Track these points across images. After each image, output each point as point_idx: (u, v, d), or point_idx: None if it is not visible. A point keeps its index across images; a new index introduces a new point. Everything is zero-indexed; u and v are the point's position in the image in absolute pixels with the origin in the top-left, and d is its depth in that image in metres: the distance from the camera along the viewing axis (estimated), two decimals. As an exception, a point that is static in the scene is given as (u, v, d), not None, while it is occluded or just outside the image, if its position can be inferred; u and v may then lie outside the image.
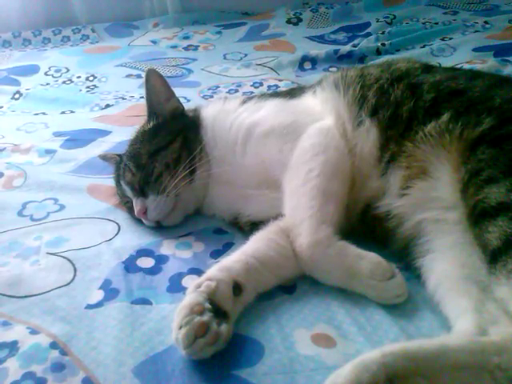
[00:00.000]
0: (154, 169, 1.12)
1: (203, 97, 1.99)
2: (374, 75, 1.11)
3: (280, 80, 2.09)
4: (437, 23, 2.56)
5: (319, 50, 2.32)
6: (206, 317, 0.78)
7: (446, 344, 0.73)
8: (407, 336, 0.82)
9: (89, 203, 1.28)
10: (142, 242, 1.11)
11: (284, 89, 1.88)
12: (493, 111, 0.93)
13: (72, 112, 1.97)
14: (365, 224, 1.03)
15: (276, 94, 1.27)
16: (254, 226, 1.05)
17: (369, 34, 2.49)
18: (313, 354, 0.79)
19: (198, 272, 0.99)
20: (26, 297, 0.95)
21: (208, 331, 0.77)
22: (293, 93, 1.23)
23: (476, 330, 0.76)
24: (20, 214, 1.24)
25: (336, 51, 2.26)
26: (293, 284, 0.95)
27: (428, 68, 1.14)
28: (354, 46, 2.32)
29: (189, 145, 1.16)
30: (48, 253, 1.08)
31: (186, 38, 2.79)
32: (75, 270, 1.02)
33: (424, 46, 2.29)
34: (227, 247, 1.08)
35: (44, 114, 1.96)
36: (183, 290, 0.92)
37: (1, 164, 1.48)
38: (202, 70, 2.31)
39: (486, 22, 2.47)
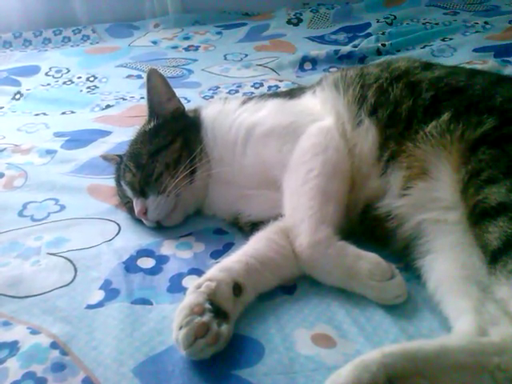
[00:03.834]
0: (155, 169, 1.12)
1: (204, 97, 1.99)
2: (374, 75, 1.11)
3: (280, 80, 2.09)
4: (437, 24, 2.56)
5: (319, 50, 2.32)
6: (206, 317, 0.78)
7: (446, 344, 0.73)
8: (407, 336, 0.82)
9: (89, 204, 1.28)
10: (143, 242, 1.11)
11: (284, 89, 1.88)
12: (494, 111, 0.93)
13: (73, 112, 1.97)
14: (365, 224, 1.02)
15: (276, 95, 1.27)
16: (255, 226, 1.05)
17: (369, 35, 2.49)
18: (313, 354, 0.79)
19: (198, 272, 0.99)
20: (26, 297, 0.95)
21: (208, 332, 0.77)
22: (293, 93, 1.23)
23: (476, 331, 0.76)
24: (20, 214, 1.24)
25: (336, 52, 2.26)
26: (293, 284, 0.95)
27: (428, 66, 1.13)
28: (355, 46, 2.32)
29: (189, 145, 1.16)
30: (48, 253, 1.08)
31: (187, 38, 2.79)
32: (75, 270, 1.02)
33: (424, 47, 2.28)
34: (227, 247, 1.08)
35: (45, 114, 1.97)
36: (183, 290, 0.92)
37: (1, 164, 1.48)
38: (203, 70, 2.31)
39: (486, 23, 2.47)
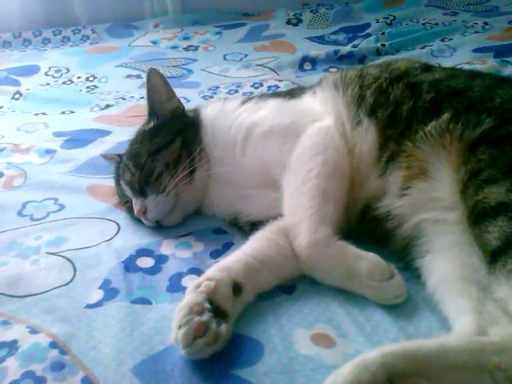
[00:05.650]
0: (155, 168, 1.12)
1: (203, 97, 1.99)
2: (373, 75, 1.11)
3: (280, 80, 2.09)
4: (437, 24, 2.56)
5: (319, 50, 2.32)
6: (206, 317, 0.78)
7: (446, 344, 0.73)
8: (407, 336, 0.82)
9: (89, 203, 1.28)
10: (142, 241, 1.11)
11: (284, 89, 1.88)
12: (493, 111, 0.93)
13: (72, 112, 1.98)
14: (364, 224, 1.02)
15: (276, 95, 1.27)
16: (254, 225, 1.05)
17: (369, 35, 2.49)
18: (312, 354, 0.79)
19: (197, 272, 0.99)
20: (25, 296, 0.95)
21: (207, 331, 0.77)
22: (292, 93, 1.23)
23: (476, 330, 0.76)
24: (20, 213, 1.24)
25: (336, 52, 2.27)
26: (292, 284, 0.95)
27: (428, 68, 1.14)
28: (354, 46, 2.32)
29: (189, 145, 1.16)
30: (48, 252, 1.08)
31: (186, 38, 2.79)
32: (75, 269, 1.02)
33: (424, 47, 2.29)
34: (227, 247, 1.08)
35: (44, 114, 1.97)
36: (183, 289, 0.92)
37: (1, 164, 1.48)
38: (202, 70, 2.32)
39: (485, 23, 2.47)
